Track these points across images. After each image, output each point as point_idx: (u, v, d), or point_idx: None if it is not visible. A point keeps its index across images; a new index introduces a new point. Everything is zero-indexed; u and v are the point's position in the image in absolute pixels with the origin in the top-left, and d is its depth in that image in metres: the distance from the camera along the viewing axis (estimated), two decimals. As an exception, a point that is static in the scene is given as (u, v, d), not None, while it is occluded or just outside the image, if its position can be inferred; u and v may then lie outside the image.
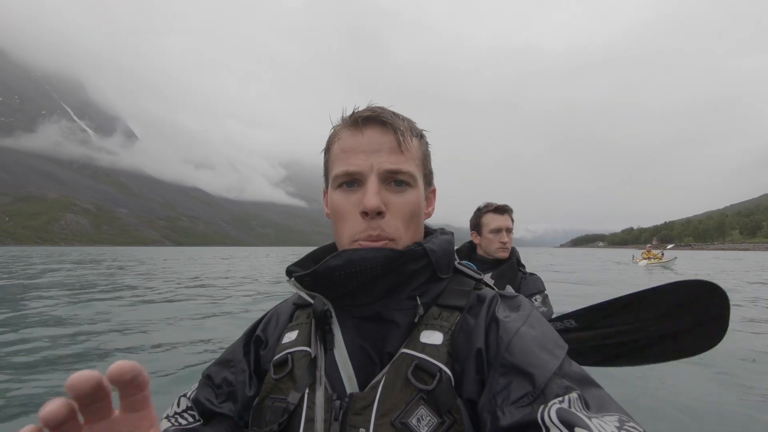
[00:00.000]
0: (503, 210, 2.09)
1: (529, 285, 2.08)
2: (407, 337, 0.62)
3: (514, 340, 0.58)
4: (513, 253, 2.14)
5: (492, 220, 2.08)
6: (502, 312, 0.63)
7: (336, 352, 0.65)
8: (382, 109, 0.68)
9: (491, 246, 2.10)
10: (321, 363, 0.65)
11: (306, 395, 0.62)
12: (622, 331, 1.30)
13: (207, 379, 0.77)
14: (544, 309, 2.00)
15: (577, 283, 11.22)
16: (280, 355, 0.69)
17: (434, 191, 0.75)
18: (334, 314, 0.66)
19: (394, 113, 0.68)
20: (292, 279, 0.66)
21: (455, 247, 0.71)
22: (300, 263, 0.72)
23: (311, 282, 0.64)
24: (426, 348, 0.60)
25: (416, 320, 0.63)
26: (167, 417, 0.73)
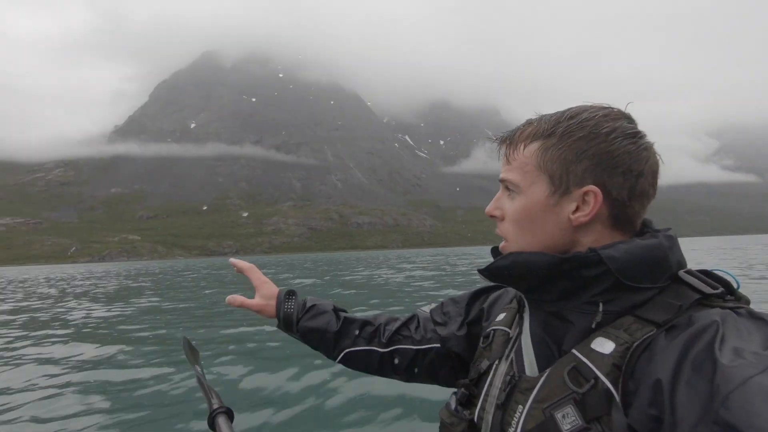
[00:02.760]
0: None
1: None
2: (583, 339, 0.62)
3: (736, 394, 0.45)
4: None
5: None
6: (728, 347, 0.50)
7: (522, 337, 0.71)
8: (522, 125, 0.71)
9: None
10: (512, 343, 0.73)
11: (495, 365, 0.73)
12: None
13: (441, 305, 0.98)
14: None
15: None
16: (488, 329, 0.81)
17: (591, 192, 0.64)
18: (526, 304, 0.72)
19: (528, 123, 0.70)
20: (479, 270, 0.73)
21: None
22: None
23: (489, 276, 0.70)
24: (591, 354, 0.59)
25: (593, 326, 0.61)
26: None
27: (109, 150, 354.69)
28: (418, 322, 0.99)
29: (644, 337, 0.57)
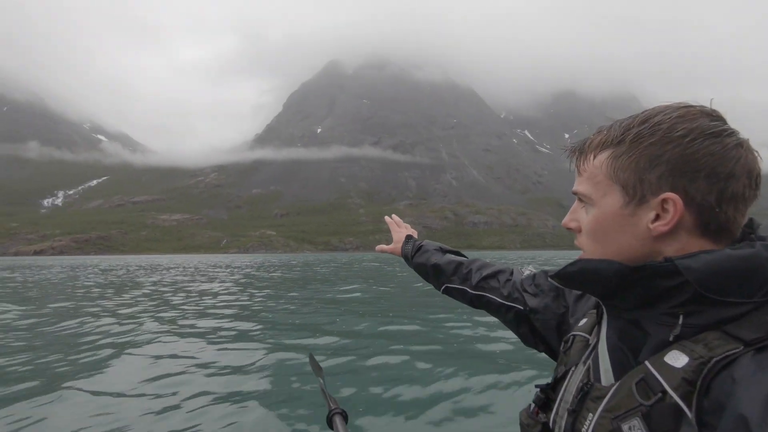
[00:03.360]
0: None
1: None
2: (659, 351, 0.59)
3: None
4: None
5: None
6: None
7: (600, 344, 0.69)
8: (593, 134, 0.70)
9: None
10: (590, 350, 0.72)
11: (571, 371, 0.73)
12: None
13: (533, 276, 1.01)
14: None
15: None
16: (570, 334, 0.81)
17: (670, 200, 0.59)
18: (605, 311, 0.70)
19: (599, 131, 0.68)
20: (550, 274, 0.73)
21: None
22: None
23: (560, 282, 0.69)
24: (663, 367, 0.56)
25: (671, 338, 0.58)
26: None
27: (250, 155, 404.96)
28: (510, 277, 1.03)
29: (725, 354, 0.52)
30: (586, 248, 0.68)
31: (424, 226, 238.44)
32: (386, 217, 1.44)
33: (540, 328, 0.92)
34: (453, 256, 1.19)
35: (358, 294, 13.03)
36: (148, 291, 14.59)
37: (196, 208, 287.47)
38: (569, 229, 0.72)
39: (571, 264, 0.66)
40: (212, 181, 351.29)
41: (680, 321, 0.57)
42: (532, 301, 0.94)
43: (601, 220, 0.65)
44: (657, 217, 0.61)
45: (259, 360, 5.24)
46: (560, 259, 44.82)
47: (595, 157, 0.66)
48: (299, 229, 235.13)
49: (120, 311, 9.71)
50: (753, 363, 0.49)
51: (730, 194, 0.58)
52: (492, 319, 1.07)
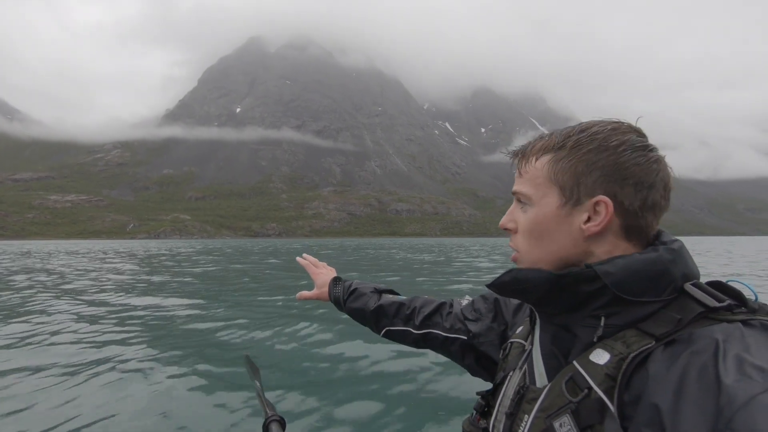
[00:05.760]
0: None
1: None
2: (585, 351, 0.64)
3: (741, 414, 0.44)
4: None
5: None
6: (732, 363, 0.49)
7: (534, 349, 0.73)
8: (534, 140, 0.73)
9: None
10: (525, 355, 0.76)
11: (509, 376, 0.76)
12: None
13: (472, 302, 1.02)
14: None
15: None
16: (507, 342, 0.85)
17: (603, 202, 0.64)
18: (537, 316, 0.74)
19: (540, 137, 0.72)
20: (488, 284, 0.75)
21: None
22: None
23: (496, 290, 0.73)
24: (588, 365, 0.60)
25: (595, 339, 0.63)
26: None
27: (161, 132, 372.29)
28: (451, 309, 1.04)
29: (641, 349, 0.57)
30: (522, 248, 0.71)
31: (349, 212, 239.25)
32: (298, 258, 1.36)
33: (485, 351, 0.94)
34: (390, 296, 1.14)
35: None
36: (39, 281, 12.48)
37: (95, 188, 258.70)
38: (506, 229, 0.74)
39: (505, 273, 0.69)
40: (114, 159, 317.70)
41: (602, 322, 0.62)
42: (474, 327, 0.97)
43: (539, 219, 0.68)
44: (588, 219, 0.65)
45: (185, 363, 4.51)
46: (475, 246, 47.77)
47: (536, 160, 0.70)
48: (217, 214, 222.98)
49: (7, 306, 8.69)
50: (664, 356, 0.55)
51: (651, 202, 0.64)
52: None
